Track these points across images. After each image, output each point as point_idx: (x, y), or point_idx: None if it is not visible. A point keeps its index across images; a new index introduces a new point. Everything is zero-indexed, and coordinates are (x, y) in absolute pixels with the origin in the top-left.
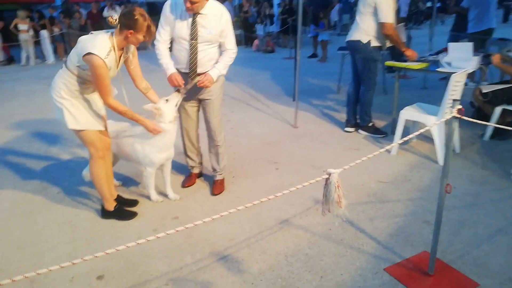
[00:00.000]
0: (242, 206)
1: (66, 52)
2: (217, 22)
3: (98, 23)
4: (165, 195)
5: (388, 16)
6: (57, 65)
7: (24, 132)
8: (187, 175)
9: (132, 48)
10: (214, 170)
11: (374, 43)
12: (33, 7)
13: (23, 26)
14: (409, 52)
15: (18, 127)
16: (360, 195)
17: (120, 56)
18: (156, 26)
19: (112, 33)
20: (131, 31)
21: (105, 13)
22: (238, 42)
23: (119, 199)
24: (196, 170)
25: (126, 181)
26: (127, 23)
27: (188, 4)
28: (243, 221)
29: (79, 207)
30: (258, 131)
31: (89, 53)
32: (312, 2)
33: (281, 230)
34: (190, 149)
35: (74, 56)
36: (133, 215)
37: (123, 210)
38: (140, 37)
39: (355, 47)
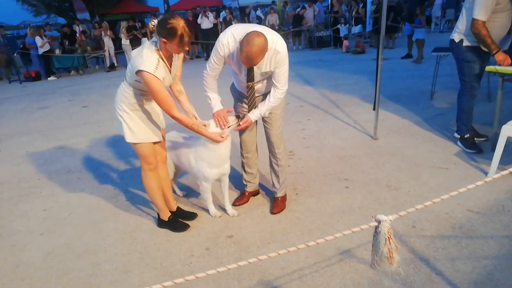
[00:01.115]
0: (299, 232)
1: None
2: (271, 61)
3: (194, 30)
4: (225, 209)
5: (481, 12)
6: None
7: (112, 135)
8: (242, 192)
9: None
10: (274, 186)
11: (466, 43)
12: (138, 16)
13: (123, 35)
14: (500, 56)
15: (108, 130)
16: (442, 227)
17: (171, 63)
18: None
19: (157, 43)
20: (165, 40)
21: (199, 20)
22: (327, 43)
23: (178, 211)
24: (250, 188)
25: (191, 191)
26: (162, 32)
27: (247, 65)
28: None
29: (143, 216)
30: (333, 142)
31: (139, 71)
32: None
33: (340, 263)
34: (247, 163)
35: (129, 71)
36: (185, 227)
37: (176, 221)
38: (174, 46)
39: (450, 47)
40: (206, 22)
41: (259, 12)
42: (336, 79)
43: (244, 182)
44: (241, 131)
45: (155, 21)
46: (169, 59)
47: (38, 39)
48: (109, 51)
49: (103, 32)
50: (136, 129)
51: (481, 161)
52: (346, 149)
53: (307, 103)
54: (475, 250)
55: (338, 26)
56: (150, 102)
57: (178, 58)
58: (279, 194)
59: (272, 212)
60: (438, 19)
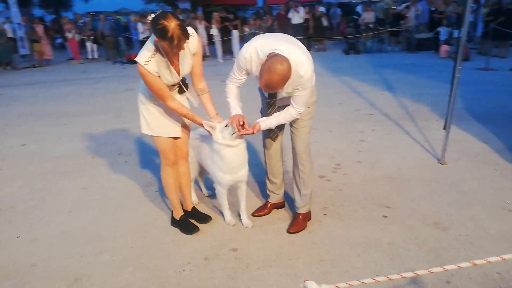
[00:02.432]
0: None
1: None
2: (293, 84)
3: (284, 24)
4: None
5: None
6: None
7: None
8: (264, 203)
9: (195, 48)
10: (295, 200)
11: None
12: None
13: (214, 25)
14: None
15: None
16: None
17: (177, 60)
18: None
19: None
20: (157, 39)
21: (290, 14)
22: (427, 47)
23: (192, 212)
24: (273, 199)
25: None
26: (154, 31)
27: (266, 91)
28: (303, 276)
29: (163, 211)
30: (390, 160)
31: (136, 62)
32: None
33: None
34: (270, 171)
35: None
36: (193, 230)
37: (187, 222)
38: (166, 46)
39: None
40: (296, 17)
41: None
42: (421, 87)
43: (267, 192)
44: (265, 137)
45: (150, 17)
46: (174, 56)
47: (140, 25)
48: (202, 41)
49: (197, 22)
50: (152, 121)
51: None
52: (402, 169)
53: (379, 112)
54: None
55: (439, 28)
56: None
57: (191, 57)
58: (301, 211)
59: (288, 231)
60: None
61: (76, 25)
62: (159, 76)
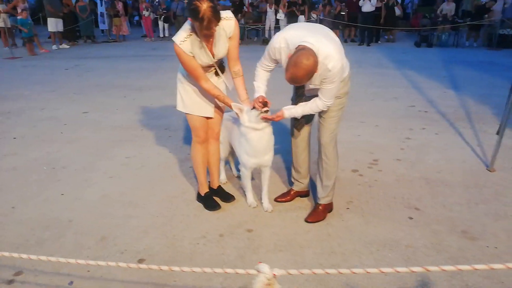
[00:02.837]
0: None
1: None
2: (321, 77)
3: (354, 12)
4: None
5: None
6: None
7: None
8: (288, 189)
9: (231, 32)
10: (317, 190)
11: None
12: None
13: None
14: None
15: None
16: None
17: (211, 42)
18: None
19: None
20: (190, 19)
21: (361, 1)
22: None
23: (218, 190)
24: (297, 187)
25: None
26: (188, 11)
27: (290, 83)
28: (310, 265)
29: (193, 185)
30: (431, 161)
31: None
32: None
33: None
34: (296, 160)
35: None
36: (215, 207)
37: (210, 199)
38: (197, 27)
39: None
40: (367, 5)
41: None
42: (492, 88)
43: (292, 179)
44: (292, 125)
45: None
46: (206, 37)
47: None
48: (270, 25)
49: (267, 6)
50: (187, 100)
51: None
52: (442, 172)
53: (436, 110)
54: None
55: None
56: None
57: (227, 40)
58: (321, 202)
59: (306, 220)
60: None
61: (152, 4)
62: (193, 57)
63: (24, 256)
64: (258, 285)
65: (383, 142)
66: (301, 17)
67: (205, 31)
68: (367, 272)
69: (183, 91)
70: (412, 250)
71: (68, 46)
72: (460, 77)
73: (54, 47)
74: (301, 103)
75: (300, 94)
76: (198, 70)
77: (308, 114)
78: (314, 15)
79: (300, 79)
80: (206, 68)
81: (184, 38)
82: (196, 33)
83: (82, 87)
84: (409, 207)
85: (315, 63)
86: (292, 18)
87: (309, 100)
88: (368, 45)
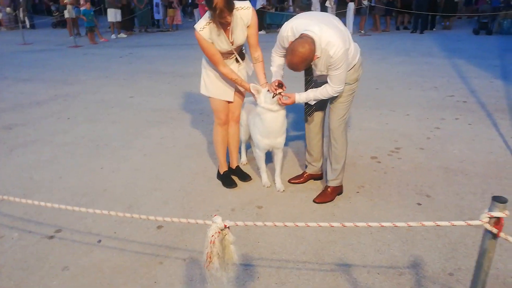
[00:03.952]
0: (320, 229)
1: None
2: (325, 64)
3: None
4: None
5: None
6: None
7: None
8: (302, 172)
9: (249, 21)
10: (327, 173)
11: None
12: None
13: None
14: None
15: None
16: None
17: (229, 29)
18: None
19: None
20: (206, 6)
21: None
22: None
23: (236, 169)
24: (310, 170)
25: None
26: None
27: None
28: (302, 241)
29: (215, 164)
30: (456, 151)
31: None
32: None
33: (330, 274)
34: (309, 143)
35: None
36: (232, 184)
37: (228, 177)
38: (212, 15)
39: None
40: None
41: None
42: None
43: (306, 163)
44: (306, 111)
45: None
46: (220, 25)
47: None
48: None
49: None
50: (210, 84)
51: None
52: (464, 162)
53: (476, 100)
54: None
55: None
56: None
57: (245, 28)
58: (330, 184)
59: (314, 200)
60: None
61: None
62: (212, 43)
63: (69, 207)
64: (211, 232)
65: (409, 131)
66: (351, 4)
67: (218, 19)
68: (331, 226)
69: (206, 76)
70: (412, 233)
71: (125, 36)
72: None
73: (112, 36)
74: (312, 89)
75: (309, 81)
76: (216, 56)
77: (319, 99)
78: (365, 2)
79: (296, 65)
80: (227, 55)
81: (203, 26)
82: (212, 22)
83: (132, 73)
84: (420, 193)
85: (310, 51)
86: (342, 6)
87: (320, 86)
88: (422, 32)
